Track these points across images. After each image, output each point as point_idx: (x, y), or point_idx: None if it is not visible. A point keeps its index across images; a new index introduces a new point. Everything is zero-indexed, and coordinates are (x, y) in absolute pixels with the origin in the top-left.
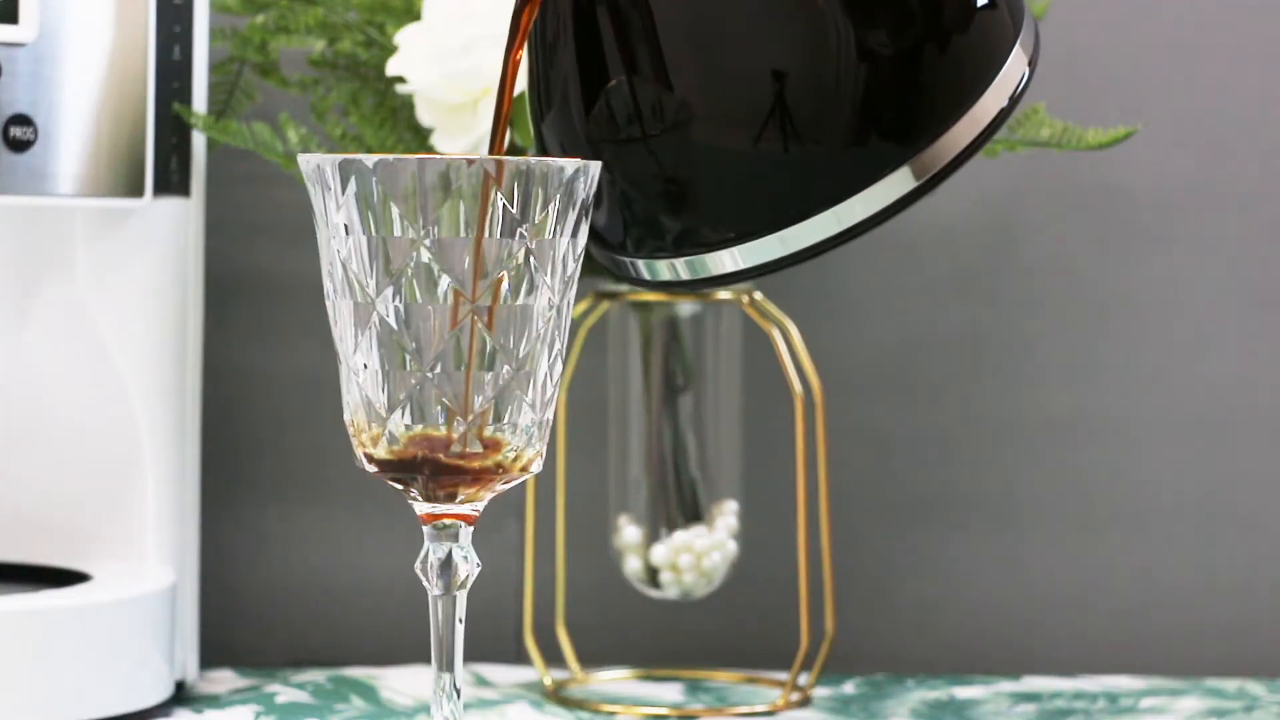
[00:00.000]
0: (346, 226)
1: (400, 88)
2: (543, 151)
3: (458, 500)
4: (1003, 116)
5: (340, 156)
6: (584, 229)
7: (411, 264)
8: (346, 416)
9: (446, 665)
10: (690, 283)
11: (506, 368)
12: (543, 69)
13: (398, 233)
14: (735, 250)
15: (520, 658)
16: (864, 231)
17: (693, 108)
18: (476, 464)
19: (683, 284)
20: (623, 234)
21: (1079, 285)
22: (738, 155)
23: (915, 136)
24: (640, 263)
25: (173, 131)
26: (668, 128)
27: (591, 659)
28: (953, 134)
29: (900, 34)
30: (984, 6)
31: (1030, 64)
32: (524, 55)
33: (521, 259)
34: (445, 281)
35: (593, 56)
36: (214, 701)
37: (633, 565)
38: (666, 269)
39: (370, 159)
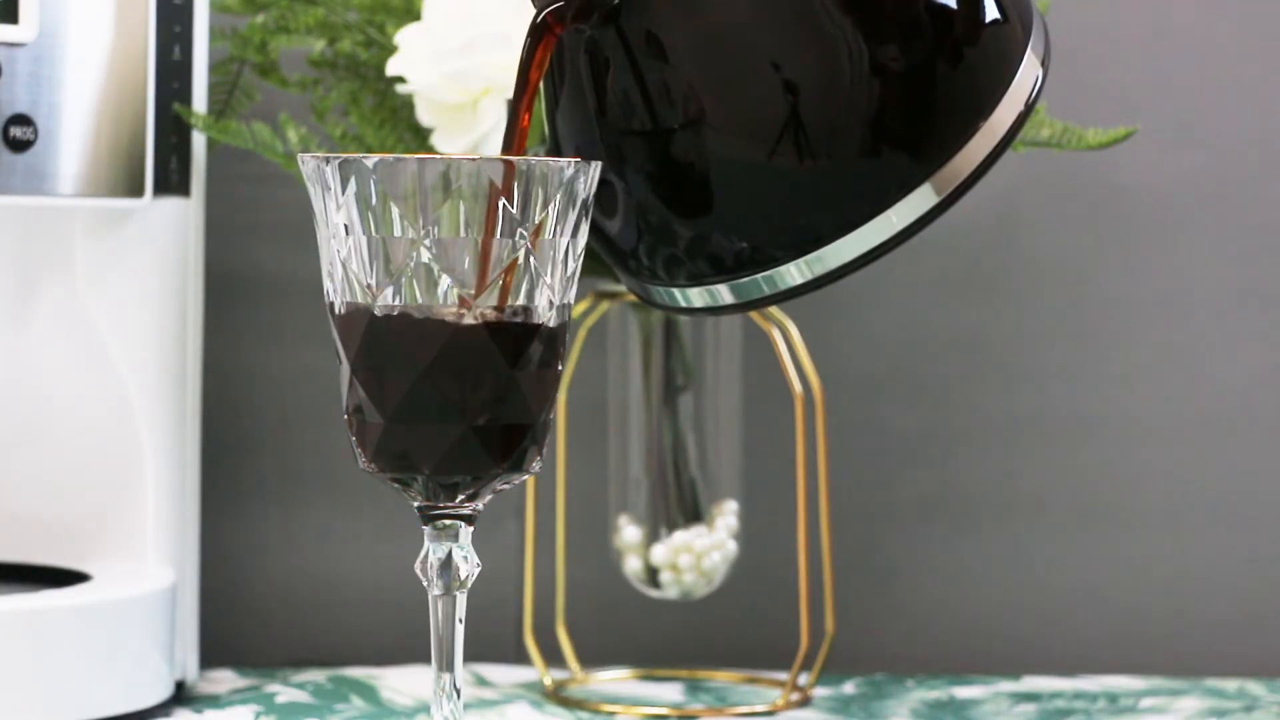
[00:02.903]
0: (346, 226)
1: (400, 88)
2: (555, 146)
3: (458, 500)
4: (1019, 123)
5: (340, 156)
6: (584, 229)
7: (411, 264)
8: (346, 417)
9: (446, 665)
10: (726, 307)
11: None
12: (561, 104)
13: (398, 233)
14: (765, 275)
15: (520, 658)
16: (887, 251)
17: (722, 138)
18: None
19: (716, 309)
20: (653, 261)
21: (1079, 285)
22: (767, 181)
23: (935, 152)
24: (676, 291)
25: (173, 131)
26: (699, 159)
27: (591, 659)
28: (971, 146)
29: (919, 52)
30: (994, 21)
31: (1043, 65)
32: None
33: (521, 259)
34: (445, 281)
35: (618, 94)
36: (214, 701)
37: (633, 565)
38: (700, 295)
39: (370, 159)
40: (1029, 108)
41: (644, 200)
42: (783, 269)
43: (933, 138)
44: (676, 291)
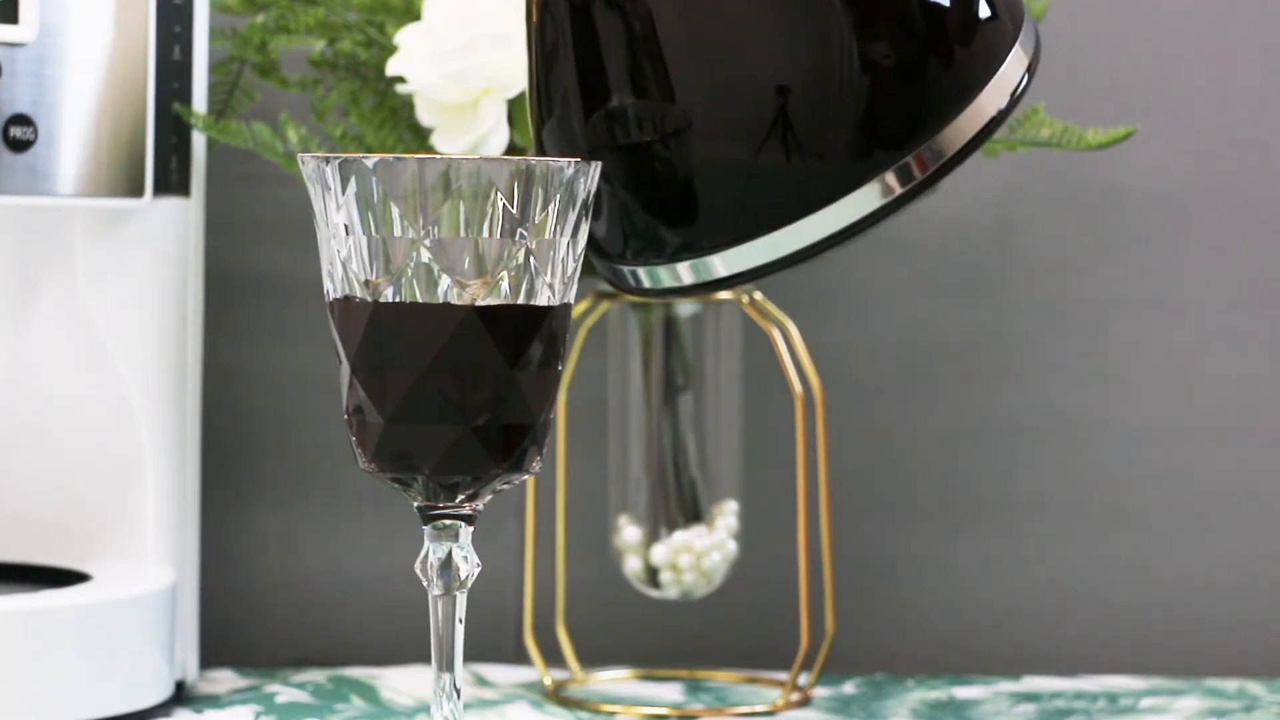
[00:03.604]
0: (346, 226)
1: (400, 88)
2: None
3: (458, 500)
4: (996, 122)
5: (340, 156)
6: (584, 229)
7: (411, 264)
8: (346, 417)
9: (446, 665)
10: (687, 288)
11: None
12: (542, 75)
13: (398, 233)
14: (727, 254)
15: (520, 658)
16: (860, 230)
17: (685, 115)
18: None
19: (679, 290)
20: (621, 242)
21: (1079, 285)
22: (724, 160)
23: (904, 140)
24: (640, 270)
25: (173, 131)
26: (659, 135)
27: (591, 659)
28: (945, 136)
29: (888, 41)
30: (982, 16)
31: (1029, 70)
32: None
33: (521, 259)
34: (445, 281)
35: (590, 63)
36: (214, 701)
37: (633, 565)
38: (666, 275)
39: (370, 159)
40: (1014, 100)
41: (617, 180)
42: (745, 248)
43: (903, 127)
44: (658, 270)
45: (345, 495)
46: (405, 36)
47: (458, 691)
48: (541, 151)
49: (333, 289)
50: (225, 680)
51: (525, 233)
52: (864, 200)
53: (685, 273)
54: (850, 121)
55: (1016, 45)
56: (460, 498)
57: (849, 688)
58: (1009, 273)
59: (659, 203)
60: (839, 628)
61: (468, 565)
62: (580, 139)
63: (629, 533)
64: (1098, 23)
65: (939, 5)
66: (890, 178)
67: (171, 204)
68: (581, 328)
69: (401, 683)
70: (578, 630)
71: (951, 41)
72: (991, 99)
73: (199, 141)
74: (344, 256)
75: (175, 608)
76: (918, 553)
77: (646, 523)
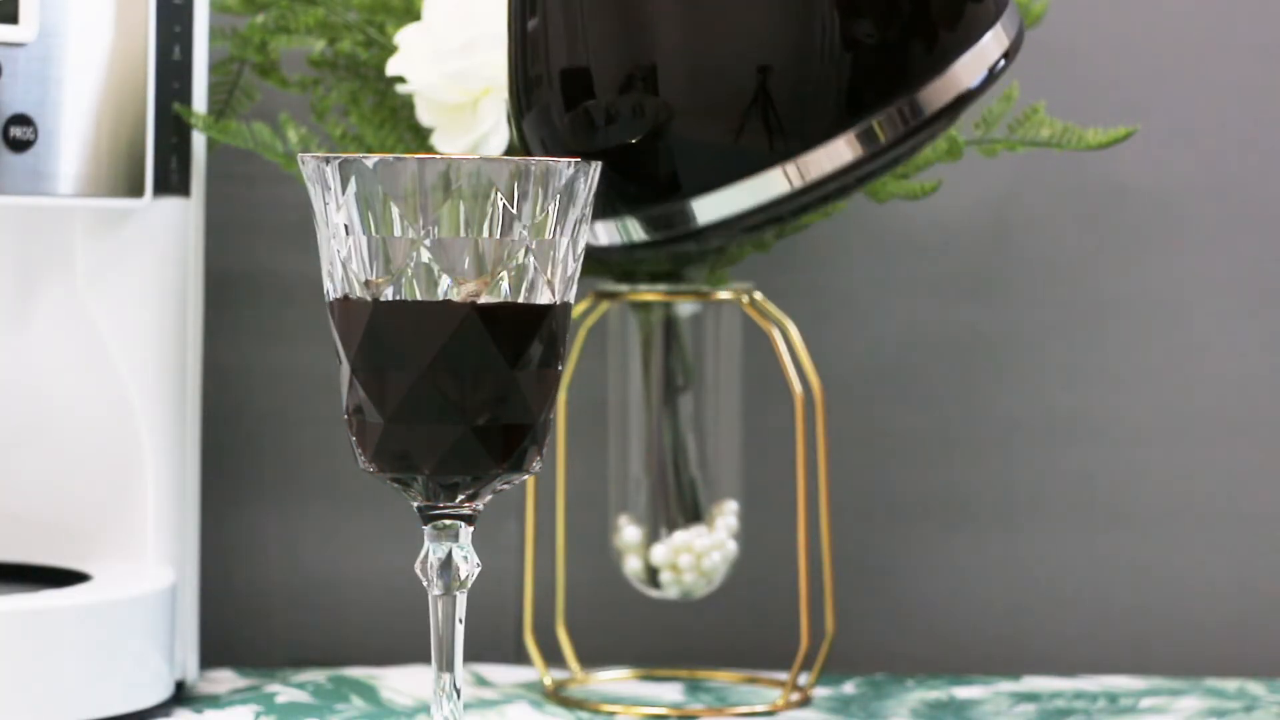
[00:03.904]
0: (346, 226)
1: (400, 88)
2: (524, 149)
3: (458, 500)
4: (970, 95)
5: (340, 156)
6: (584, 229)
7: (411, 264)
8: (346, 417)
9: (446, 665)
10: (658, 241)
11: None
12: (520, 63)
13: (398, 233)
14: (698, 202)
15: (520, 658)
16: (823, 192)
17: (655, 92)
18: None
19: (649, 244)
20: (601, 201)
21: (1079, 285)
22: (696, 108)
23: (876, 101)
24: (614, 224)
25: (173, 131)
26: (635, 93)
27: (591, 659)
28: (919, 100)
29: (867, 5)
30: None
31: (1007, 55)
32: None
33: (521, 259)
34: (445, 281)
35: (574, 31)
36: (214, 701)
37: (633, 565)
38: (633, 228)
39: (370, 159)
40: (991, 76)
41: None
42: (719, 195)
43: (883, 84)
44: (615, 225)
45: (345, 495)
46: (405, 36)
47: (458, 691)
48: (522, 137)
49: (333, 289)
50: (225, 680)
51: (525, 232)
52: (832, 156)
53: (654, 227)
54: (825, 80)
55: (997, 25)
56: (460, 498)
57: (849, 688)
58: (1009, 273)
59: (633, 153)
60: (839, 628)
61: (468, 565)
62: (556, 108)
63: (629, 533)
64: (1098, 23)
65: None
66: (862, 135)
67: (171, 204)
68: (581, 328)
69: (401, 683)
70: (578, 630)
71: (931, 9)
72: (967, 71)
73: (199, 141)
74: (344, 256)
75: (175, 608)
76: (918, 553)
77: (646, 523)
